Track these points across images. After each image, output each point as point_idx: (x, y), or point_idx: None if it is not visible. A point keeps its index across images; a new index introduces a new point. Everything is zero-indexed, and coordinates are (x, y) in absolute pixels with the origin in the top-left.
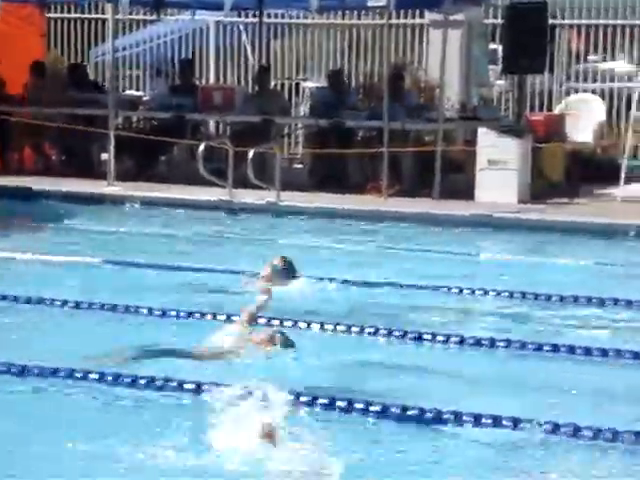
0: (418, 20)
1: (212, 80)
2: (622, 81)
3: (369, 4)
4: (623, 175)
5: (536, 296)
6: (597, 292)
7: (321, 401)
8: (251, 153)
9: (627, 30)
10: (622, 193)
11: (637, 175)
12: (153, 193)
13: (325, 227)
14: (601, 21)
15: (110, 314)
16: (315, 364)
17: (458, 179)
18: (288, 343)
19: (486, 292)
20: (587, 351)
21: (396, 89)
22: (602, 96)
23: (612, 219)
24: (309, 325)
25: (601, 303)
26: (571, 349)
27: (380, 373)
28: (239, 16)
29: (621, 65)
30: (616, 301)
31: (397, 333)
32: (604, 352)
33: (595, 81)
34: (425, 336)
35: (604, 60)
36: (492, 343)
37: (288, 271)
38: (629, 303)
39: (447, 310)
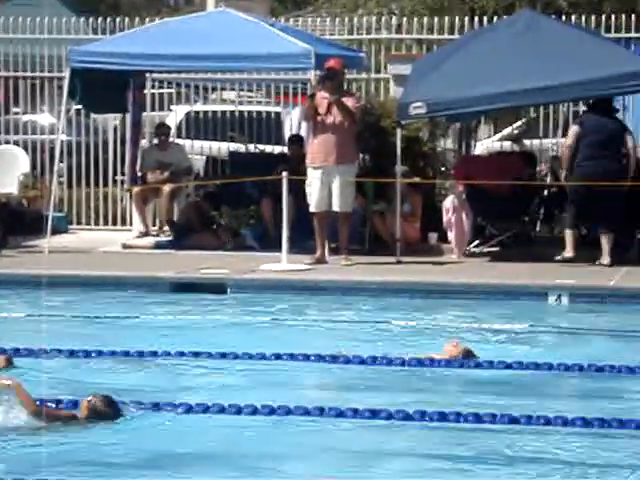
0: None
1: None
2: (45, 133)
3: None
4: (50, 227)
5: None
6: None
7: None
8: None
9: (46, 83)
10: (49, 244)
11: (62, 227)
12: None
13: None
14: (20, 73)
15: None
16: None
17: None
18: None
19: None
20: None
21: None
22: (26, 148)
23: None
24: None
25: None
26: None
27: None
28: None
29: (44, 117)
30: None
31: None
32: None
33: (18, 133)
34: None
35: (26, 112)
36: None
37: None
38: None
39: None
